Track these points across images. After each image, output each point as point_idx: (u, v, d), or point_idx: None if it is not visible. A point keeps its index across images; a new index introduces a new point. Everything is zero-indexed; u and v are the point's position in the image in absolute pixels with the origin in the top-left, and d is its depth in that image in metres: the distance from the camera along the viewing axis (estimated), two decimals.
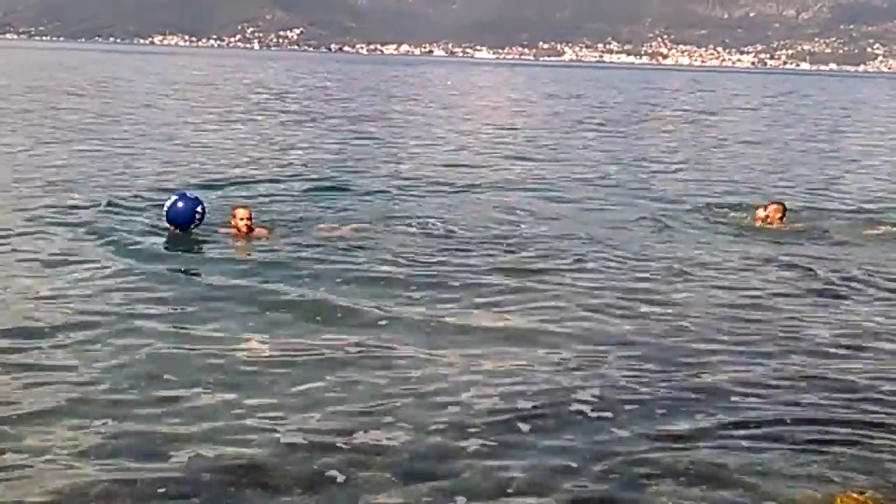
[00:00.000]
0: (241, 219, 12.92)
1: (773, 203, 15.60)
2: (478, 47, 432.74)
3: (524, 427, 6.93)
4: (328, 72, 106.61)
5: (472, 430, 6.85)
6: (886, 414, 7.27)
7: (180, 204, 12.87)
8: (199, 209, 12.91)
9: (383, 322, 9.35)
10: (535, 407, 7.32)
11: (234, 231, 12.98)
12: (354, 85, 73.84)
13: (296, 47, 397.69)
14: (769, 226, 15.02)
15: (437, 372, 8.05)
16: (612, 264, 12.24)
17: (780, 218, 15.14)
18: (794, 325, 9.73)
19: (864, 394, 7.75)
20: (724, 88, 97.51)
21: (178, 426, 6.77)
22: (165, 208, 12.92)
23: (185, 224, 12.89)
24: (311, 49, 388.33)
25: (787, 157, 28.93)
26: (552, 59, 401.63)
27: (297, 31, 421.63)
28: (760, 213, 15.30)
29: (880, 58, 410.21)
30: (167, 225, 12.97)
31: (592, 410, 7.29)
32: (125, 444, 6.45)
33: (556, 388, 7.76)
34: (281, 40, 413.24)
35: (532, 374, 8.09)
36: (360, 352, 8.51)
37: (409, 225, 14.55)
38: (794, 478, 6.10)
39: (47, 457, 6.21)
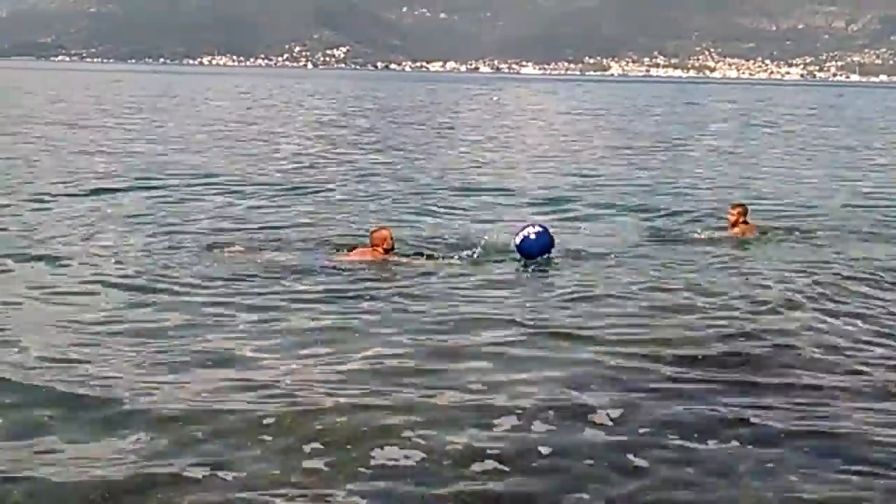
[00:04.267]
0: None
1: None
2: (523, 63, 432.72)
3: None
4: (377, 91, 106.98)
5: None
6: None
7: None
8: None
9: None
10: None
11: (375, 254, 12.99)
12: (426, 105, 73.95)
13: (343, 66, 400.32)
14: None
15: None
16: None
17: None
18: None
19: None
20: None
21: None
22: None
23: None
24: (357, 67, 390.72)
25: None
26: (598, 73, 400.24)
27: (344, 50, 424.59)
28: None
29: None
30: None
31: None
32: None
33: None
34: (328, 59, 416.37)
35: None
36: None
37: None
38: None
39: None
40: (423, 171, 24.86)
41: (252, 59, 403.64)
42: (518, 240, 12.91)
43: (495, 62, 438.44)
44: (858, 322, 10.26)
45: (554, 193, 20.85)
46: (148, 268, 12.28)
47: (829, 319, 10.31)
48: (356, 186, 21.72)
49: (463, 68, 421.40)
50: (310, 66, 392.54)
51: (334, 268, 12.63)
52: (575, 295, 11.26)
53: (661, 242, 14.86)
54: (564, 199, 19.79)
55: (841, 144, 38.69)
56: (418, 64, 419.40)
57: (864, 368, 8.72)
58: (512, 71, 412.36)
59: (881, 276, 12.34)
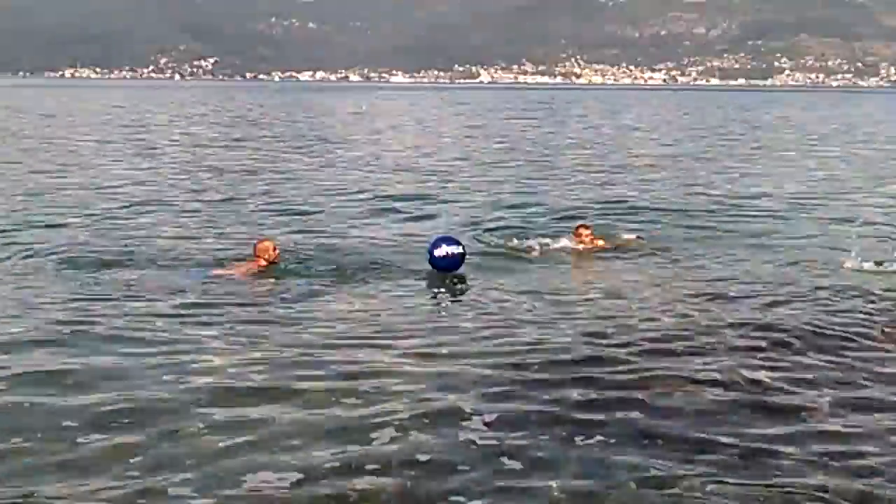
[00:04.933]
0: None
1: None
2: (393, 72, 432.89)
3: None
4: (246, 102, 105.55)
5: None
6: None
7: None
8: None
9: None
10: None
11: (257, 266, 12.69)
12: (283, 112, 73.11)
13: (210, 77, 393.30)
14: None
15: None
16: None
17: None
18: None
19: None
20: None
21: None
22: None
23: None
24: (226, 78, 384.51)
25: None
26: (468, 81, 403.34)
27: (212, 61, 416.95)
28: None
29: (787, 71, 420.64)
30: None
31: None
32: None
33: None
34: (196, 70, 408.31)
35: None
36: None
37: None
38: None
39: None
40: (291, 182, 24.51)
41: (117, 71, 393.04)
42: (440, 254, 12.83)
43: (365, 71, 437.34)
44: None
45: (412, 204, 20.74)
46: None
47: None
48: (220, 201, 21.27)
49: (333, 77, 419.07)
50: (177, 77, 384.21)
51: (211, 281, 12.38)
52: (433, 310, 11.30)
53: (501, 257, 14.87)
54: (425, 211, 19.56)
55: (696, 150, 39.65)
56: (288, 74, 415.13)
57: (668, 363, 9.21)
58: (382, 79, 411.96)
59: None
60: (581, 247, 14.93)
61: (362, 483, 6.42)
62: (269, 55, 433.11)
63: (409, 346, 9.69)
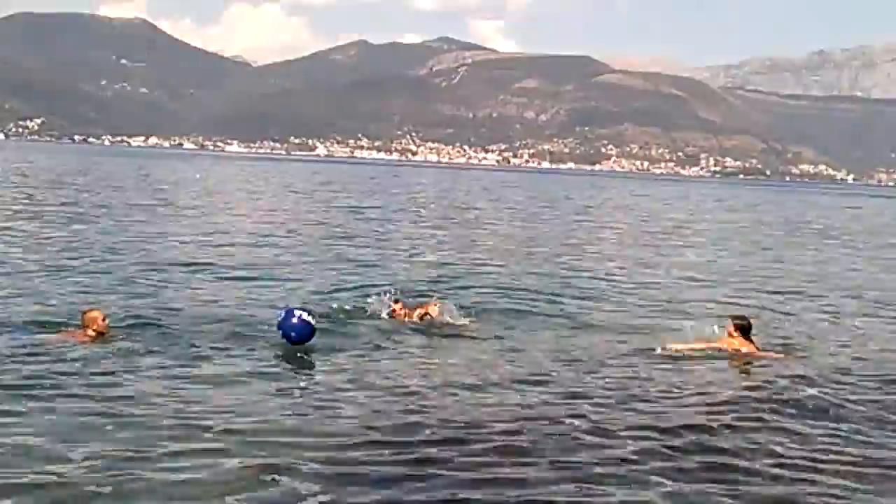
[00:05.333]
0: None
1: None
2: (228, 141, 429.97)
3: None
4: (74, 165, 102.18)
5: None
6: None
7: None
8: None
9: None
10: None
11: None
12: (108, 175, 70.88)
13: (36, 137, 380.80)
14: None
15: None
16: None
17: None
18: None
19: None
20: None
21: None
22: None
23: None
24: (53, 139, 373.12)
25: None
26: (304, 153, 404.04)
27: (39, 121, 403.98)
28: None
29: (613, 157, 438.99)
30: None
31: None
32: None
33: None
34: (21, 129, 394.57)
35: None
36: None
37: None
38: None
39: None
40: (125, 248, 23.22)
41: None
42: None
43: (200, 139, 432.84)
44: None
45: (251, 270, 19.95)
46: None
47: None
48: (55, 262, 19.91)
49: (166, 144, 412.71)
50: (1, 136, 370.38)
51: (36, 349, 11.26)
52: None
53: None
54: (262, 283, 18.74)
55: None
56: (119, 138, 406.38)
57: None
58: (217, 148, 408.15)
59: None
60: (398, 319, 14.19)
61: None
62: (99, 118, 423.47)
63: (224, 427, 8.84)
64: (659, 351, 12.81)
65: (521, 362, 12.13)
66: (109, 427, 8.60)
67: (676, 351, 12.77)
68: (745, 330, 12.80)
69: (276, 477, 7.57)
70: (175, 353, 11.53)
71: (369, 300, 15.12)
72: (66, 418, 8.80)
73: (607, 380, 11.32)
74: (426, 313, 14.26)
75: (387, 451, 8.33)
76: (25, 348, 11.25)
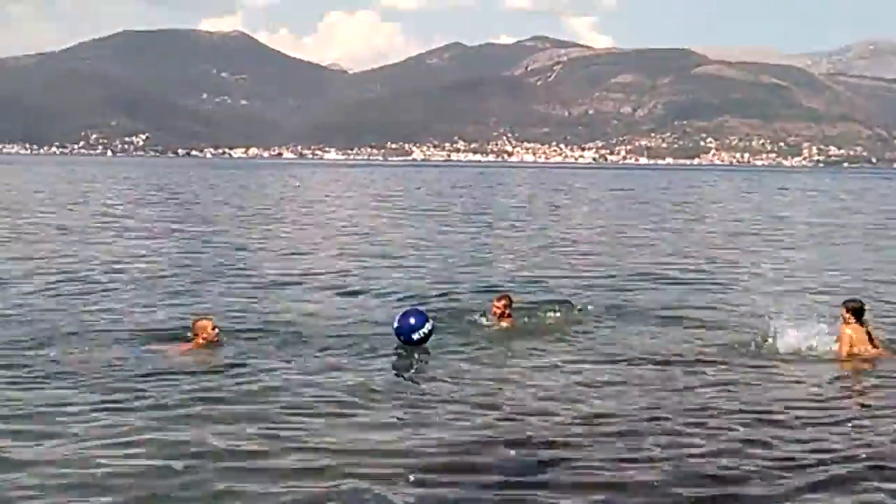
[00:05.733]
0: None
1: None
2: (326, 149, 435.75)
3: None
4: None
5: None
6: None
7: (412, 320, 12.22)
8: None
9: None
10: None
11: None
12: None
13: (142, 153, 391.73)
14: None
15: None
16: None
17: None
18: None
19: None
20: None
21: None
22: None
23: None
24: (157, 154, 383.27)
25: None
26: (401, 158, 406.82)
27: (143, 137, 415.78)
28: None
29: (713, 151, 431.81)
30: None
31: None
32: None
33: None
34: (127, 146, 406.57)
35: None
36: None
37: None
38: None
39: None
40: (232, 260, 23.59)
41: (46, 147, 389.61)
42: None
43: (298, 148, 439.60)
44: None
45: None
46: None
47: None
48: (162, 274, 20.34)
49: (266, 154, 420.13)
50: (109, 153, 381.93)
51: (146, 357, 11.50)
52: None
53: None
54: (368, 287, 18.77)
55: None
56: (220, 150, 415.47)
57: None
58: (315, 156, 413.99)
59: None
60: (494, 321, 13.72)
61: None
62: (201, 131, 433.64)
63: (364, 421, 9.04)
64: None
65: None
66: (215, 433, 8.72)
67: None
68: (858, 313, 12.32)
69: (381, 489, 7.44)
70: (290, 356, 11.69)
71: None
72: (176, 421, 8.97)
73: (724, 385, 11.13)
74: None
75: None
76: (139, 359, 11.50)
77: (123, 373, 10.84)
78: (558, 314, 14.91)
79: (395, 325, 12.20)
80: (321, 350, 12.13)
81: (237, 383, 10.43)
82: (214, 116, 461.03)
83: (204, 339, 12.03)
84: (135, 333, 13.13)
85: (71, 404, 9.58)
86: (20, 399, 9.74)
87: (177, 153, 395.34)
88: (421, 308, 12.91)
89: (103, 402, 9.63)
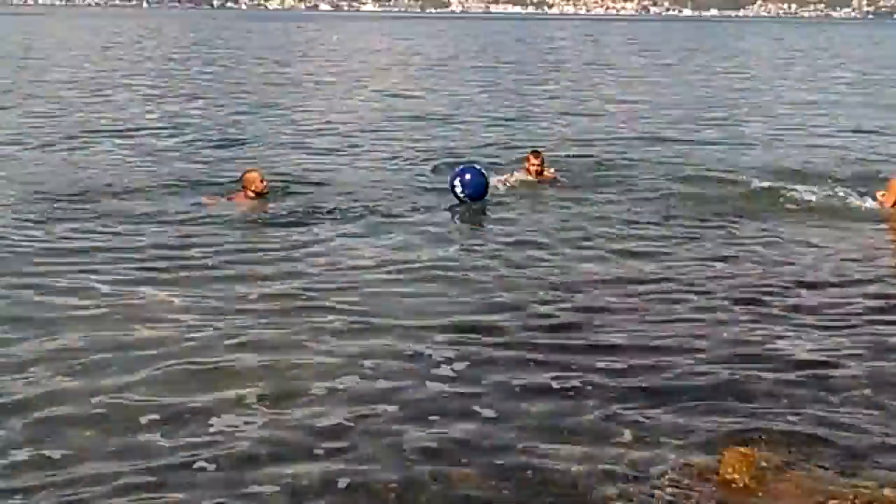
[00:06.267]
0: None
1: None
2: (363, 1, 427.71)
3: None
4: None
5: None
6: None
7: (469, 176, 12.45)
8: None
9: None
10: None
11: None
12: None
13: (177, 4, 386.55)
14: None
15: None
16: None
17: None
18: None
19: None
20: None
21: None
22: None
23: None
24: (193, 6, 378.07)
25: None
26: (438, 10, 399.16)
27: None
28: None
29: (759, 1, 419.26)
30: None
31: None
32: None
33: None
34: None
35: None
36: None
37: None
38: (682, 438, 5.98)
39: None
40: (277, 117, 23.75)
41: None
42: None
43: (334, 0, 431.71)
44: None
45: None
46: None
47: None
48: (209, 129, 20.62)
49: (302, 6, 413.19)
50: (145, 4, 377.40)
51: (196, 211, 11.89)
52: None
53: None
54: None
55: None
56: (255, 2, 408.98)
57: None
58: (352, 8, 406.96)
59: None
60: (530, 178, 13.76)
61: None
62: None
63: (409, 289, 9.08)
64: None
65: None
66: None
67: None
68: None
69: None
70: (340, 215, 11.95)
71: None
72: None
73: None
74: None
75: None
76: (190, 211, 11.86)
77: (175, 225, 11.22)
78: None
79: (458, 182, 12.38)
80: (365, 211, 12.26)
81: (287, 237, 10.80)
82: None
83: (253, 191, 12.36)
84: (188, 186, 13.52)
85: (123, 249, 10.02)
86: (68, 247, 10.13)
87: (211, 5, 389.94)
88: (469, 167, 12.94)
89: (154, 253, 10.01)
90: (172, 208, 12.00)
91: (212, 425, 6.05)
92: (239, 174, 12.99)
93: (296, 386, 6.67)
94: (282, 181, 13.77)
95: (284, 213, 11.87)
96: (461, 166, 12.91)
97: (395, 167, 16.05)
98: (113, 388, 6.55)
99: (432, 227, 11.53)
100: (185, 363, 7.02)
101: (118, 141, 18.64)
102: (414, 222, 11.68)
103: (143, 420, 6.08)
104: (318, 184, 13.93)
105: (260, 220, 11.51)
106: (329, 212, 12.03)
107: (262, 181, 12.46)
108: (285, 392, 6.55)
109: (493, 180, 13.06)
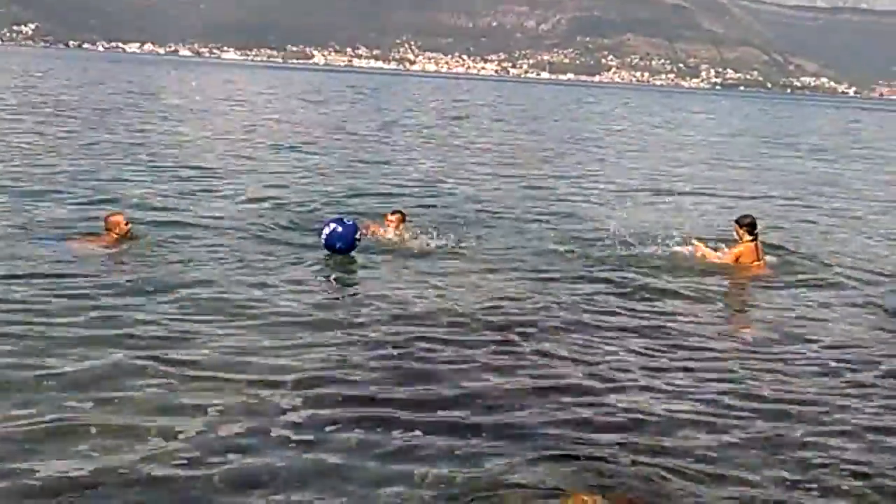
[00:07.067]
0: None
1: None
2: (225, 48, 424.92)
3: None
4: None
5: None
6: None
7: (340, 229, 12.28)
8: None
9: None
10: None
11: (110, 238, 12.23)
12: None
13: (31, 42, 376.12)
14: None
15: None
16: None
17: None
18: None
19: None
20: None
21: None
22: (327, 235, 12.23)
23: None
24: (48, 45, 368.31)
25: None
26: (301, 62, 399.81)
27: (33, 26, 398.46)
28: None
29: (614, 69, 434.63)
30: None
31: None
32: None
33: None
34: (15, 35, 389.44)
35: None
36: None
37: None
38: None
39: None
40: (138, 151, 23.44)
41: None
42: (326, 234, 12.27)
43: (196, 46, 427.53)
44: None
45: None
46: None
47: None
48: (68, 168, 20.13)
49: (161, 51, 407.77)
50: None
51: (60, 254, 11.57)
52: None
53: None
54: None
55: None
56: (113, 44, 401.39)
57: None
58: (213, 55, 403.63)
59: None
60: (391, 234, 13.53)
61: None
62: (94, 24, 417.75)
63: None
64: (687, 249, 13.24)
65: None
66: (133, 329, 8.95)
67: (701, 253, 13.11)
68: (753, 227, 13.04)
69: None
70: (195, 255, 11.90)
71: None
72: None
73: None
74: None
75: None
76: (56, 255, 11.52)
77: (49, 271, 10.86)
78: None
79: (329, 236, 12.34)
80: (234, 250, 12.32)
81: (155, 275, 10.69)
82: (108, 8, 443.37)
83: (117, 234, 12.17)
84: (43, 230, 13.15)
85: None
86: None
87: (67, 45, 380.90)
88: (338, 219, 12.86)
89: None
90: (39, 254, 11.63)
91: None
92: (105, 215, 12.74)
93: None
94: (143, 223, 13.57)
95: (147, 254, 11.74)
96: (332, 218, 12.91)
97: (255, 207, 16.12)
98: None
99: (293, 273, 11.57)
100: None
101: None
102: (273, 268, 11.68)
103: None
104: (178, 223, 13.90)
105: (125, 261, 11.32)
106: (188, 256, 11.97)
107: (126, 224, 12.28)
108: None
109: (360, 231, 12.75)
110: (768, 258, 13.28)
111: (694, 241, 13.39)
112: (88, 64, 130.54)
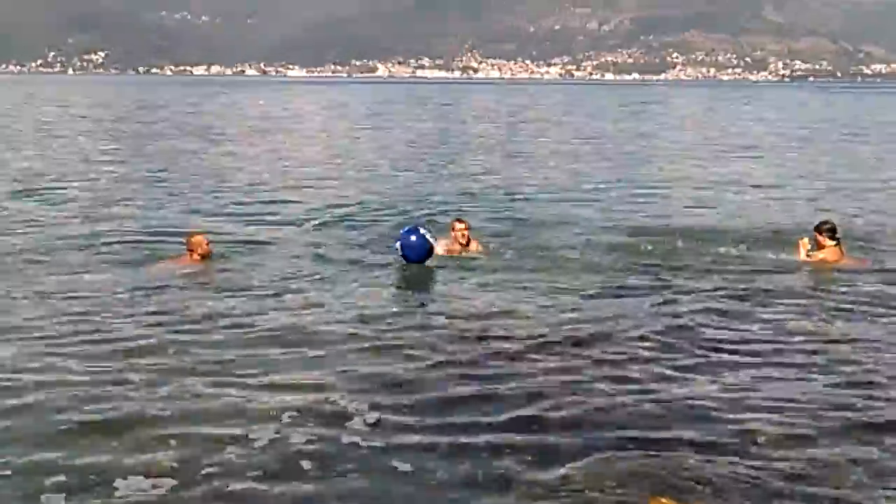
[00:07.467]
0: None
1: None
2: (290, 66, 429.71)
3: None
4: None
5: None
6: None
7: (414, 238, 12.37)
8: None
9: None
10: None
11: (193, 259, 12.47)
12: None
13: (101, 71, 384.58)
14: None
15: None
16: None
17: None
18: None
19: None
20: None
21: None
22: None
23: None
24: (117, 72, 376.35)
25: None
26: (365, 75, 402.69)
27: (103, 54, 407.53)
28: None
29: (679, 66, 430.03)
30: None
31: None
32: None
33: None
34: (85, 63, 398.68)
35: None
36: None
37: None
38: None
39: None
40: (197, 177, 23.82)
41: (3, 66, 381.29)
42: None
43: (261, 66, 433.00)
44: None
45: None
46: None
47: None
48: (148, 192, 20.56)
49: (229, 72, 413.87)
50: (70, 71, 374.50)
51: (146, 277, 11.81)
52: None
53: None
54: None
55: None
56: (181, 68, 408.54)
57: None
58: (279, 74, 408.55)
59: None
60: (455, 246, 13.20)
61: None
62: (160, 48, 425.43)
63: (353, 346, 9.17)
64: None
65: None
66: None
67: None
68: (833, 232, 12.79)
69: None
70: (277, 275, 12.00)
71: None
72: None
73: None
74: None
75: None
76: (144, 279, 11.75)
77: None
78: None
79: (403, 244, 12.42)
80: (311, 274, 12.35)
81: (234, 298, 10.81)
82: (174, 33, 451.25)
83: (199, 254, 12.37)
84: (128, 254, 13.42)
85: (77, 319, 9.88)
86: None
87: (137, 71, 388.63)
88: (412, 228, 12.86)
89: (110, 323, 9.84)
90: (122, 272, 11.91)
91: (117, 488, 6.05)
92: (186, 236, 12.99)
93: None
94: (224, 244, 13.80)
95: (231, 274, 11.91)
96: (407, 227, 12.94)
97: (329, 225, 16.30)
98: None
99: (364, 282, 11.74)
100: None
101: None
102: (345, 280, 11.82)
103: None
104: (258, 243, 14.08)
105: (207, 282, 11.51)
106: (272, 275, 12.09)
107: (207, 244, 12.50)
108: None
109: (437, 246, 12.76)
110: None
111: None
112: (160, 88, 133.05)
